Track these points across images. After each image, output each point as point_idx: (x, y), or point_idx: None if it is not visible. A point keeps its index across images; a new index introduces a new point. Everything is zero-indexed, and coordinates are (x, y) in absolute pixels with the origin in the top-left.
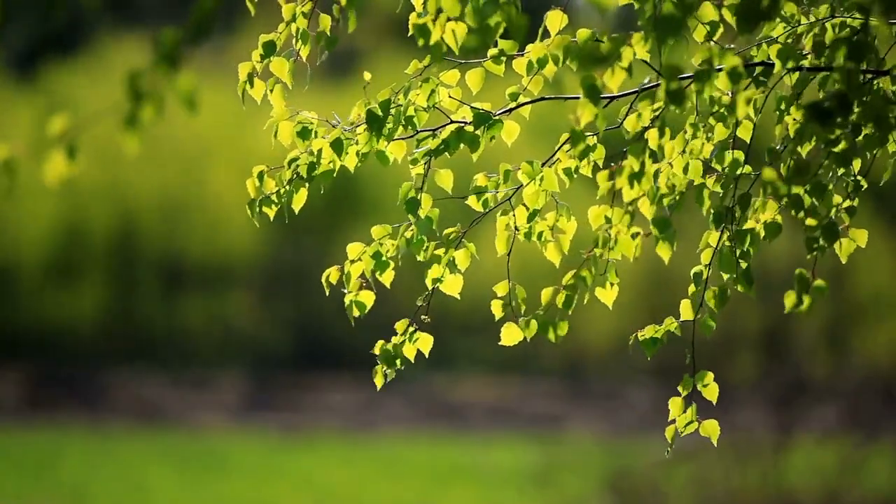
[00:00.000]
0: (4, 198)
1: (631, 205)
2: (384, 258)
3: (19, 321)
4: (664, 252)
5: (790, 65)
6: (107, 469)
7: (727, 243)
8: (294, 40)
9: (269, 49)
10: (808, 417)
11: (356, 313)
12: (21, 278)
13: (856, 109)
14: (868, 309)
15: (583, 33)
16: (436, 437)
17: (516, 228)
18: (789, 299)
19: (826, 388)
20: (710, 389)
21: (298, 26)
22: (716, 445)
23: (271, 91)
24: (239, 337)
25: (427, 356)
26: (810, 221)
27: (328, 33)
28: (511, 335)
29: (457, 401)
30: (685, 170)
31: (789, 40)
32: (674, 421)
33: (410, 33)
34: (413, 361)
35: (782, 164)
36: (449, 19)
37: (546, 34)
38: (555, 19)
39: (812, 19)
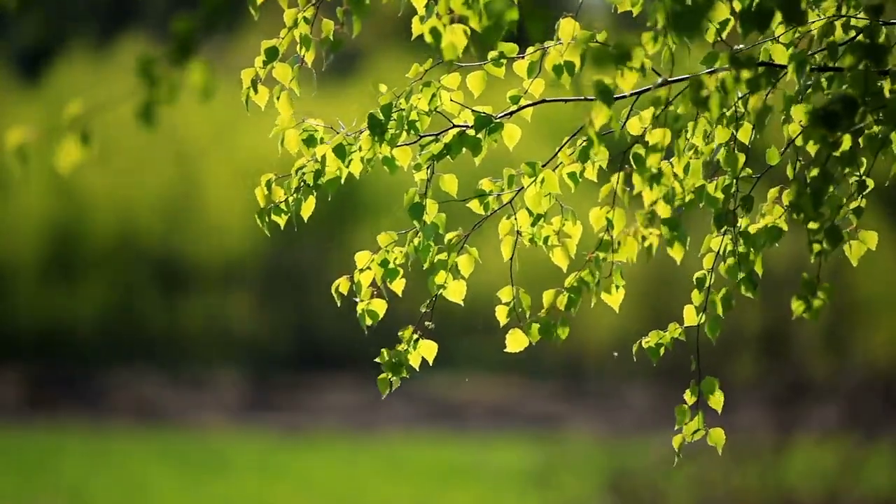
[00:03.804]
0: (18, 183)
1: (651, 206)
2: (392, 266)
3: (19, 321)
4: (677, 252)
5: (807, 72)
6: (107, 469)
7: (729, 247)
8: (298, 46)
9: (272, 55)
10: (808, 417)
11: (369, 322)
12: (21, 278)
13: (866, 111)
14: (868, 309)
15: (582, 34)
16: (436, 437)
17: (519, 232)
18: (797, 305)
19: (826, 388)
20: (716, 398)
21: (301, 31)
22: (720, 453)
23: (278, 98)
24: (239, 337)
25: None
26: (812, 225)
27: (332, 38)
28: (517, 341)
29: (457, 401)
30: (685, 169)
31: (792, 38)
32: (681, 429)
33: (414, 37)
34: (418, 370)
35: (788, 165)
36: (453, 21)
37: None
38: (567, 27)
39: (818, 17)
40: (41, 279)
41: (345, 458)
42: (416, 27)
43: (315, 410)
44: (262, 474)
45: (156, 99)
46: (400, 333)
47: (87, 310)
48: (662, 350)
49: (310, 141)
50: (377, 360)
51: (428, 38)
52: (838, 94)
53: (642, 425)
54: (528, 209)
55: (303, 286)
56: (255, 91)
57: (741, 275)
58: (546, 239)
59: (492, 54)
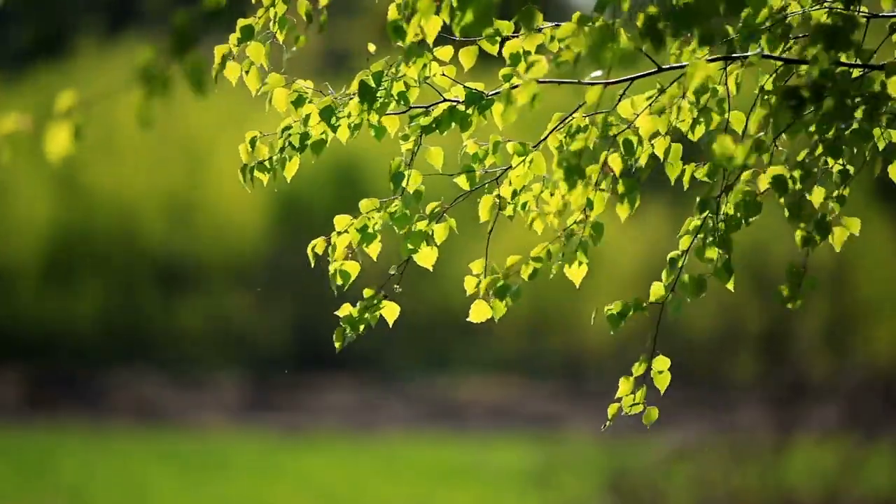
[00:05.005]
0: (19, 182)
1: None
2: (370, 231)
3: (19, 321)
4: (622, 211)
5: (763, 47)
6: (106, 469)
7: (709, 238)
8: (271, 23)
9: (247, 33)
10: (808, 417)
11: (339, 282)
12: (21, 278)
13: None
14: (868, 309)
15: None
16: (436, 437)
17: (499, 198)
18: (781, 293)
19: (826, 388)
20: (663, 377)
21: (277, 11)
22: (648, 428)
23: (247, 72)
24: (239, 337)
25: (391, 325)
26: (803, 225)
27: (305, 18)
28: (480, 312)
29: (457, 401)
30: (666, 153)
31: (766, 25)
32: (619, 399)
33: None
34: (373, 326)
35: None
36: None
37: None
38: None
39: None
40: (42, 279)
41: (344, 458)
42: (392, 13)
43: (315, 410)
44: (261, 474)
45: (152, 93)
46: (364, 292)
47: (88, 309)
48: (622, 320)
49: (299, 101)
50: (337, 313)
51: (392, 38)
52: (809, 80)
53: (642, 425)
54: (511, 183)
55: (303, 286)
56: (224, 68)
57: (718, 261)
58: (525, 205)
59: (487, 31)
